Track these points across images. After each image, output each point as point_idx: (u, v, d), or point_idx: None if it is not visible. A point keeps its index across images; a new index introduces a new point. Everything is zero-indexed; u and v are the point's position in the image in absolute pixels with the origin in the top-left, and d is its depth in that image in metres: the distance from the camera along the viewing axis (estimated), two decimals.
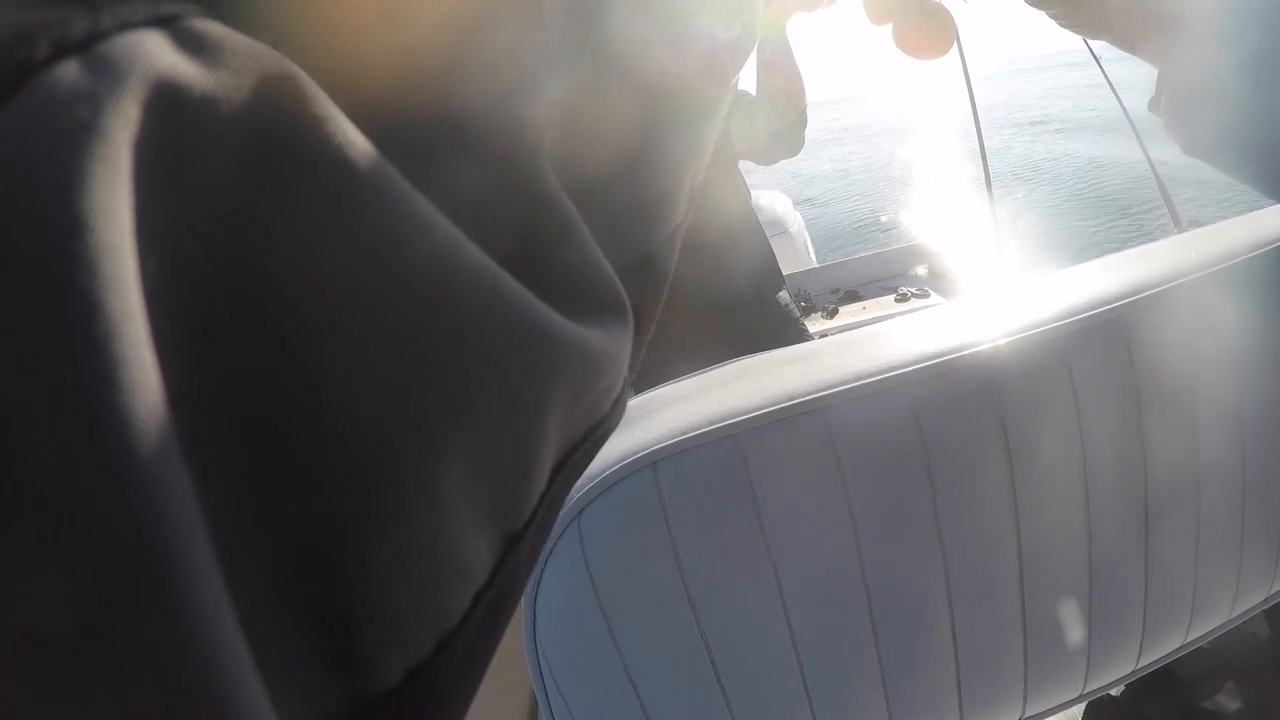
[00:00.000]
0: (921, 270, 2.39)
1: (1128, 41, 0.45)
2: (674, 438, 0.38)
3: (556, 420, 0.16)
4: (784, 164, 1.45)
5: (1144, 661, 0.51)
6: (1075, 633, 0.47)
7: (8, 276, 0.07)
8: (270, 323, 0.10)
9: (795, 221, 2.93)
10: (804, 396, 0.39)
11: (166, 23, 0.09)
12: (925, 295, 2.18)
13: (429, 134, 0.14)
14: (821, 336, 1.67)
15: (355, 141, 0.11)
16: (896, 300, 2.18)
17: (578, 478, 0.19)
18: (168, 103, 0.09)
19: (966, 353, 0.41)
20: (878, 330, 0.45)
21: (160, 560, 0.08)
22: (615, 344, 0.17)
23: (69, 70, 0.08)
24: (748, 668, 0.43)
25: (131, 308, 0.08)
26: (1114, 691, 0.55)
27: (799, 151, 1.33)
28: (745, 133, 1.30)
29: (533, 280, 0.14)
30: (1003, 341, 0.42)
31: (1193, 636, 0.52)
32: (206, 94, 0.09)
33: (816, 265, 2.69)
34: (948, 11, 0.46)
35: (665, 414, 0.40)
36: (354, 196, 0.11)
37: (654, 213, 0.21)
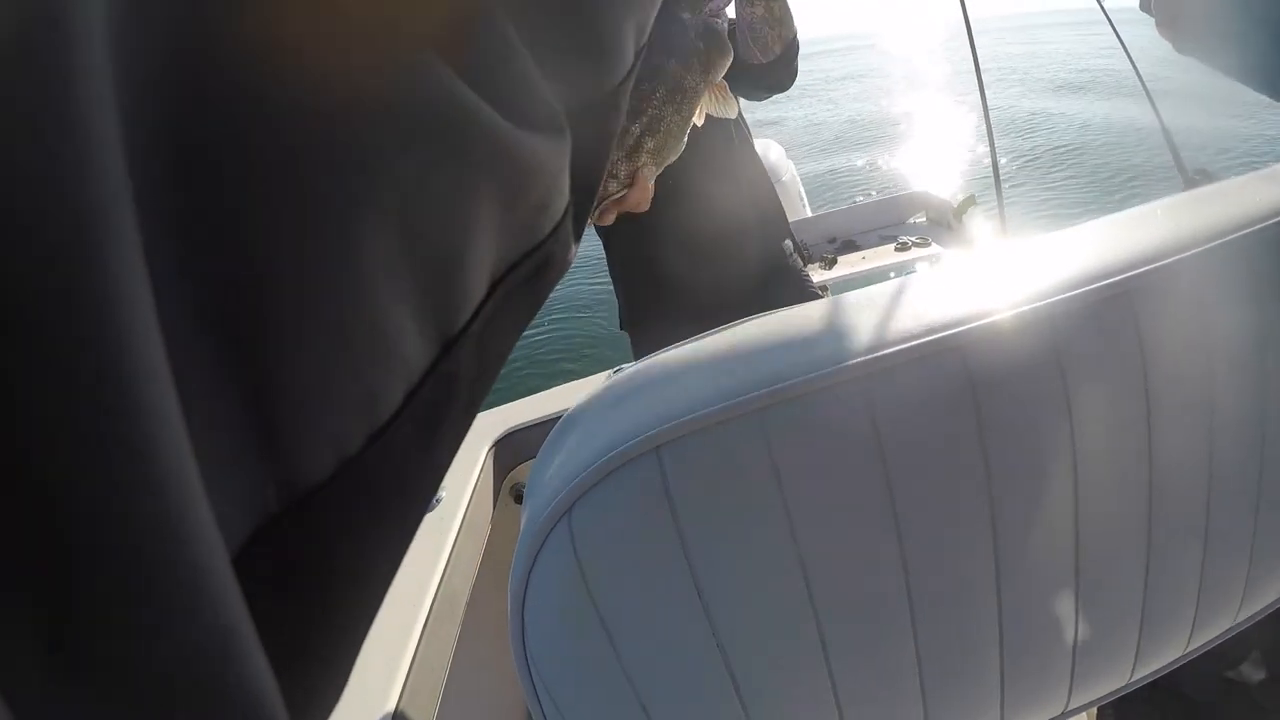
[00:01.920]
0: (920, 219, 2.31)
1: None
2: (680, 417, 0.31)
3: (486, 218, 0.16)
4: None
5: (1193, 645, 0.46)
6: (1129, 621, 0.42)
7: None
8: (211, 61, 0.11)
9: (788, 170, 2.86)
10: (841, 363, 0.32)
11: None
12: (926, 244, 2.11)
13: None
14: (822, 288, 1.61)
15: None
16: (896, 249, 2.11)
17: (524, 310, 0.19)
18: None
19: (1026, 309, 0.34)
20: (913, 281, 0.38)
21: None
22: (548, 153, 0.17)
23: None
24: (767, 671, 0.37)
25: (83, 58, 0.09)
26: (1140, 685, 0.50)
27: (792, 84, 1.19)
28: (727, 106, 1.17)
29: (466, 73, 0.14)
30: (1061, 297, 0.35)
31: (1242, 617, 0.47)
32: None
33: (810, 215, 2.62)
34: None
35: (671, 386, 0.33)
36: None
37: (596, 57, 0.21)
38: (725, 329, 0.38)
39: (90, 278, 0.08)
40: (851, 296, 0.38)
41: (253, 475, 0.12)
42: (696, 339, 0.38)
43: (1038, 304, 0.34)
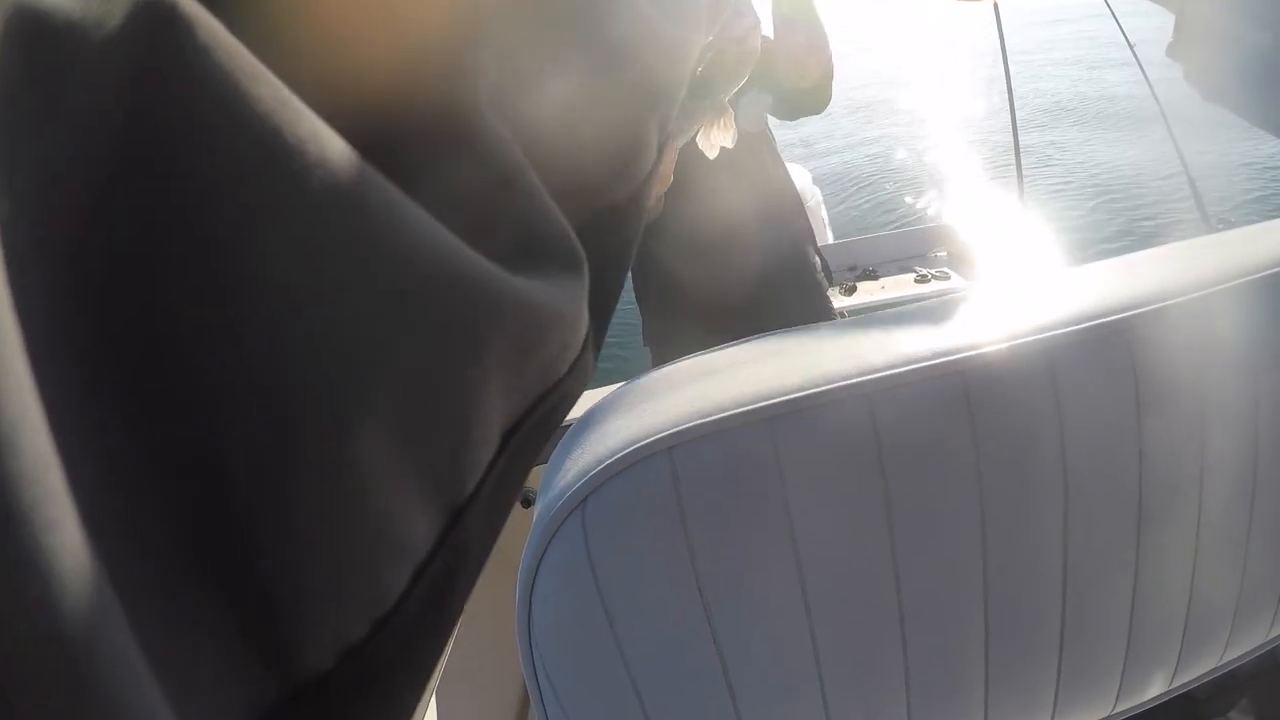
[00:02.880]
0: (942, 253, 2.32)
1: None
2: (694, 420, 0.33)
3: (498, 381, 0.15)
4: None
5: (1176, 683, 0.47)
6: (1115, 648, 0.43)
7: None
8: (156, 266, 0.10)
9: (814, 196, 2.88)
10: (847, 379, 0.34)
11: None
12: (945, 277, 2.12)
13: (348, 72, 0.13)
14: (840, 313, 1.63)
15: (247, 68, 0.10)
16: (916, 281, 2.13)
17: (537, 448, 0.18)
18: (29, 33, 0.08)
19: (1027, 340, 0.36)
20: (925, 308, 0.40)
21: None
22: (564, 298, 0.16)
23: None
24: (760, 672, 0.39)
25: None
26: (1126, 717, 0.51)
27: (825, 108, 1.25)
28: (751, 102, 1.21)
29: (462, 227, 0.13)
30: (1060, 331, 0.37)
31: (1228, 658, 0.48)
32: (74, 22, 0.09)
33: (833, 240, 2.63)
34: None
35: (685, 392, 0.35)
36: (246, 127, 0.10)
37: (616, 159, 0.20)
38: (739, 343, 0.40)
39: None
40: (861, 319, 0.40)
41: (250, 677, 0.11)
42: (712, 350, 0.40)
43: (1037, 336, 0.35)
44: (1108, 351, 0.36)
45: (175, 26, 0.10)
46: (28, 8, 0.08)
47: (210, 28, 0.10)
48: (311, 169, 0.11)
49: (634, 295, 1.37)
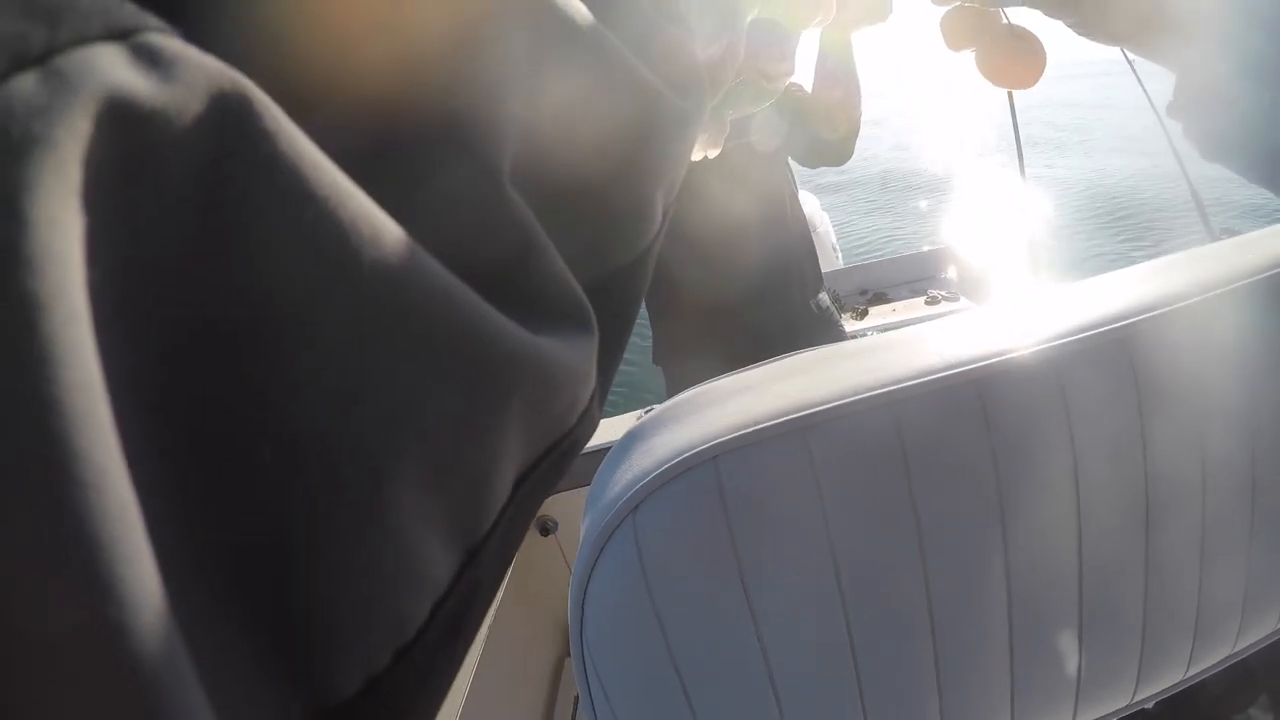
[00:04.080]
0: (951, 274, 2.36)
1: (1144, 48, 0.45)
2: (737, 430, 0.37)
3: (515, 431, 0.16)
4: None
5: (1191, 672, 0.49)
6: (1131, 640, 0.46)
7: None
8: (223, 335, 0.11)
9: (822, 222, 2.92)
10: (872, 391, 0.37)
11: (124, 36, 0.09)
12: (955, 299, 2.15)
13: (391, 146, 0.14)
14: (855, 336, 1.67)
15: (308, 154, 0.11)
16: (927, 303, 2.16)
17: (546, 492, 0.19)
18: (119, 117, 0.09)
19: (1036, 349, 0.39)
20: (943, 325, 0.44)
21: (96, 562, 0.08)
22: (576, 356, 0.17)
23: (25, 83, 0.08)
24: (803, 674, 0.41)
25: (77, 312, 0.08)
26: (1147, 705, 0.53)
27: (846, 161, 1.32)
28: (774, 128, 1.27)
29: (489, 293, 0.15)
30: (1065, 340, 0.40)
31: (1240, 646, 0.50)
32: (158, 109, 0.09)
33: (843, 265, 2.67)
34: (1037, 37, 0.44)
35: (726, 406, 0.39)
36: (306, 209, 0.11)
37: (625, 227, 0.21)
38: (769, 362, 0.44)
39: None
40: (881, 336, 0.44)
41: (281, 702, 0.12)
42: (745, 369, 0.43)
43: (1045, 345, 0.39)
44: (1111, 358, 0.39)
45: (248, 117, 0.11)
46: (119, 94, 0.09)
47: (276, 116, 0.11)
48: (365, 247, 0.12)
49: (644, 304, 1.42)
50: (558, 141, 0.18)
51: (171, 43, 0.10)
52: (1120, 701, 0.46)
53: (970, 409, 0.38)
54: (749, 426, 0.37)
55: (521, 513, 0.18)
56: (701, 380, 0.43)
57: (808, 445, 0.37)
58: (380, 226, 0.12)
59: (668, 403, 0.43)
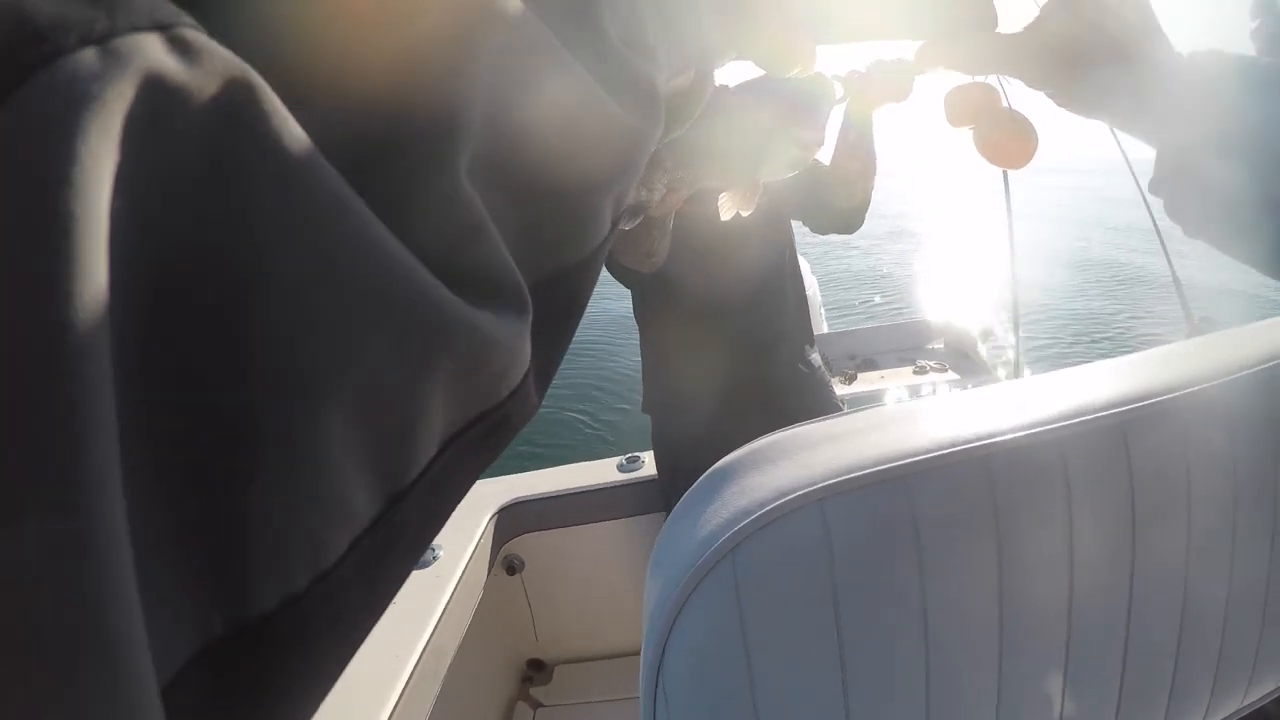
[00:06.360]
0: (939, 345, 2.42)
1: (1122, 122, 0.45)
2: (842, 475, 0.37)
3: (443, 390, 0.18)
4: None
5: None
6: (1106, 709, 0.47)
7: (12, 177, 0.10)
8: (205, 256, 0.13)
9: (810, 285, 2.98)
10: (969, 444, 0.38)
11: (165, 28, 0.12)
12: (943, 370, 2.20)
13: (365, 132, 0.16)
14: (843, 401, 1.69)
15: (295, 133, 0.14)
16: (915, 372, 2.20)
17: (478, 462, 0.20)
18: (154, 89, 0.12)
19: (1040, 430, 0.41)
20: (1015, 386, 0.46)
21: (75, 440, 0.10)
22: (508, 331, 0.19)
23: (89, 55, 0.11)
24: (876, 710, 0.41)
25: (100, 224, 0.11)
26: None
27: (855, 230, 1.37)
28: (794, 188, 1.32)
29: (432, 264, 0.17)
30: (1066, 423, 0.41)
31: (1250, 699, 0.52)
32: (182, 85, 0.12)
33: (827, 330, 2.72)
34: (1029, 120, 0.47)
35: (827, 450, 0.39)
36: (290, 174, 0.14)
37: (572, 228, 0.23)
38: (853, 411, 0.45)
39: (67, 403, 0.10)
40: (958, 394, 0.45)
41: (203, 608, 0.13)
42: (832, 417, 0.44)
43: (1047, 427, 0.41)
44: (1104, 443, 0.42)
45: (251, 99, 0.13)
46: (156, 72, 0.12)
47: (273, 100, 0.14)
48: (332, 207, 0.14)
49: (633, 314, 1.44)
50: (516, 144, 0.20)
51: (199, 36, 0.12)
52: None
53: (1052, 464, 0.40)
54: (854, 471, 0.37)
55: (449, 477, 0.19)
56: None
57: (909, 492, 0.37)
58: (346, 194, 0.15)
59: (753, 444, 0.44)
